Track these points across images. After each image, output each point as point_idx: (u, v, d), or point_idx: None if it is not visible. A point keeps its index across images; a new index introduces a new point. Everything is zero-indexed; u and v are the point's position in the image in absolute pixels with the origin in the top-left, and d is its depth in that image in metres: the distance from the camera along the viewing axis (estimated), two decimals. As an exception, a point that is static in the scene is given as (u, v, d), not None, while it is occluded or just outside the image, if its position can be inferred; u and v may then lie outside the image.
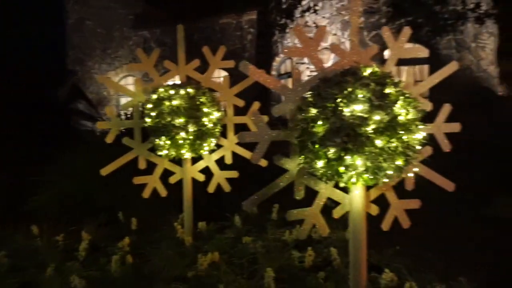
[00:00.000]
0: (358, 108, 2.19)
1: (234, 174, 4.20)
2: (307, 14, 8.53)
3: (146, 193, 4.04)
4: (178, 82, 4.06)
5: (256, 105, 3.92)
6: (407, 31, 2.62)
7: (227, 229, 4.41)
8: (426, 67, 8.31)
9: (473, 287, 2.96)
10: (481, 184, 4.98)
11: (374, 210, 2.60)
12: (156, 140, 3.76)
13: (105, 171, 3.82)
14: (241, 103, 4.16)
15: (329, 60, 7.96)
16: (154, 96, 3.82)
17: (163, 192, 4.11)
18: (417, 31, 7.55)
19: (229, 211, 4.53)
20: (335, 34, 8.84)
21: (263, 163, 3.51)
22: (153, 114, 3.74)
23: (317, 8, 8.43)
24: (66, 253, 3.79)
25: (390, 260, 3.30)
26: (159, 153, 3.83)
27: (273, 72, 10.71)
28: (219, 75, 11.09)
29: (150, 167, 4.06)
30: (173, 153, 3.78)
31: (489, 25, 7.64)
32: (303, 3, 8.40)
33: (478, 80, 7.95)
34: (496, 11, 6.22)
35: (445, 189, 2.71)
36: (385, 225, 2.65)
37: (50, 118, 11.45)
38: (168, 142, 3.71)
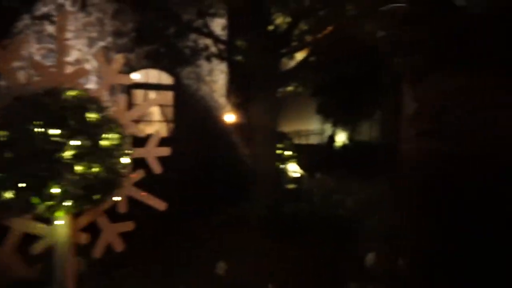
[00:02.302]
0: (56, 133, 2.05)
1: None
2: (45, 22, 7.63)
3: None
4: None
5: None
6: (119, 58, 2.70)
7: None
8: (170, 94, 8.99)
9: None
10: (212, 197, 5.76)
11: (84, 238, 2.49)
12: None
13: None
14: None
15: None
16: None
17: None
18: (160, 59, 8.07)
19: None
20: (79, 50, 8.30)
21: None
22: None
23: (54, 18, 7.69)
24: None
25: (120, 283, 3.25)
26: None
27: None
28: None
29: None
30: None
31: (220, 64, 9.09)
32: (38, 8, 7.42)
33: (211, 109, 9.27)
34: (222, 54, 7.47)
35: (182, 205, 2.90)
36: (97, 252, 2.57)
37: None
38: None
